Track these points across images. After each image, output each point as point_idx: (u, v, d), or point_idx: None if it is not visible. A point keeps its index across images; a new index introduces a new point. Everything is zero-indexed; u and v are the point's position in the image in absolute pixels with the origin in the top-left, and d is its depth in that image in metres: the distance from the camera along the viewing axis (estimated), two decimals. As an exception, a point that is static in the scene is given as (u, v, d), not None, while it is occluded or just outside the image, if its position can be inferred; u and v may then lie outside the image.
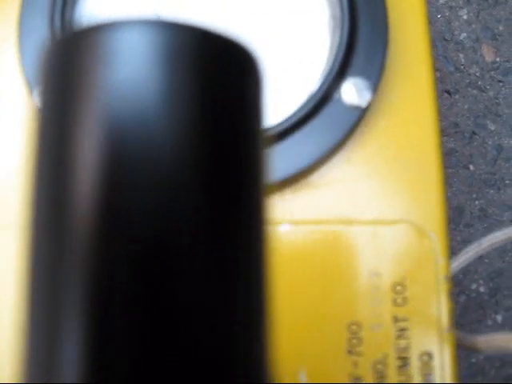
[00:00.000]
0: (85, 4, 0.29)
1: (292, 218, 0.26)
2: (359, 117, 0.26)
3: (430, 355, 0.25)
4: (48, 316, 0.09)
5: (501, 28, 0.54)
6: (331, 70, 0.26)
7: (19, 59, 0.27)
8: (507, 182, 0.51)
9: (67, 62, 0.09)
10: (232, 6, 0.29)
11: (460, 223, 0.49)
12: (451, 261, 0.32)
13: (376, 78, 0.27)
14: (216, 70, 0.10)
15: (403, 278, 0.26)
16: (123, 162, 0.09)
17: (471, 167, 0.51)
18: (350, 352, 0.25)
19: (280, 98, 0.28)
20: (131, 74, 0.09)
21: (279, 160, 0.26)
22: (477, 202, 0.50)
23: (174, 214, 0.09)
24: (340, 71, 0.26)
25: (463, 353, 0.48)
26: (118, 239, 0.09)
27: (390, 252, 0.26)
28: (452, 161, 0.50)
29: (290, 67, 0.28)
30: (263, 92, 0.11)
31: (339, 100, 0.26)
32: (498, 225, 0.51)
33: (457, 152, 0.51)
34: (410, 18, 0.29)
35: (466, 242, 0.50)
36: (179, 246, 0.09)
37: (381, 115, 0.28)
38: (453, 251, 0.50)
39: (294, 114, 0.26)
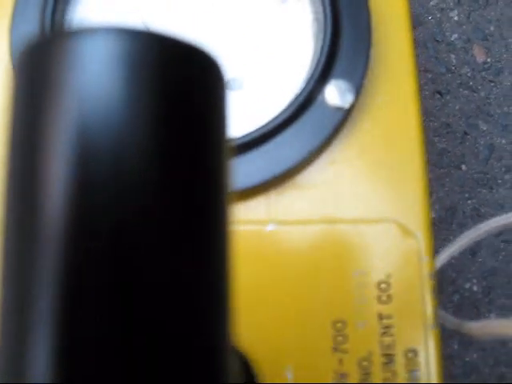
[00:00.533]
0: (76, 7, 0.29)
1: (277, 218, 0.26)
2: (342, 118, 0.27)
3: (415, 352, 0.26)
4: (16, 314, 0.10)
5: (492, 28, 0.55)
6: (314, 72, 0.27)
7: (10, 61, 0.27)
8: (499, 181, 0.51)
9: (33, 67, 0.10)
10: (217, 10, 0.30)
11: (452, 223, 0.50)
12: (449, 245, 0.32)
13: (359, 80, 0.27)
14: (177, 75, 0.10)
15: (388, 276, 0.26)
16: (88, 166, 0.09)
17: (463, 167, 0.51)
18: (335, 349, 0.25)
19: (265, 101, 0.28)
20: (93, 81, 0.09)
21: (264, 161, 0.26)
22: (469, 202, 0.51)
23: (134, 212, 0.10)
24: (323, 74, 0.27)
25: (457, 351, 0.49)
26: (84, 236, 0.10)
27: (374, 250, 0.26)
28: (444, 161, 0.50)
29: (274, 71, 0.29)
30: (226, 96, 0.12)
31: (322, 102, 0.27)
32: (491, 224, 0.51)
33: (449, 152, 0.51)
34: (393, 20, 0.30)
35: (459, 242, 0.50)
36: (140, 241, 0.10)
37: (365, 117, 0.28)
38: (446, 251, 0.50)
39: (278, 116, 0.26)
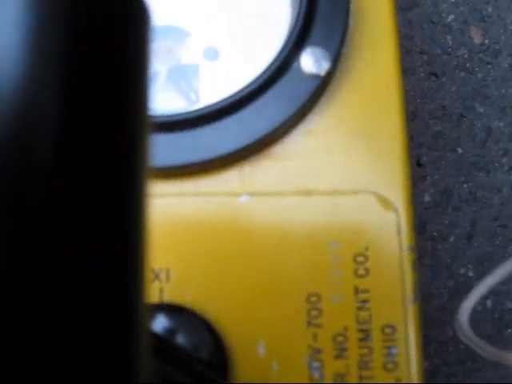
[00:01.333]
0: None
1: (251, 190, 0.26)
2: (318, 86, 0.26)
3: (392, 327, 0.25)
4: None
5: (489, 10, 0.53)
6: (289, 39, 0.26)
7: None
8: (496, 164, 0.50)
9: None
10: (192, -23, 0.29)
11: (448, 206, 0.49)
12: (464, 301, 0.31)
13: (335, 48, 0.26)
14: (91, 10, 0.10)
15: (365, 249, 0.25)
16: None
17: (459, 150, 0.50)
18: (309, 323, 0.24)
19: (241, 70, 0.27)
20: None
21: (237, 130, 0.25)
22: (465, 185, 0.50)
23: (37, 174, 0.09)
24: (298, 41, 0.26)
25: (451, 338, 0.48)
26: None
27: (351, 222, 0.25)
28: (439, 144, 0.49)
29: (251, 39, 0.28)
30: (148, 41, 0.11)
31: (298, 69, 0.26)
32: (488, 208, 0.50)
33: (444, 135, 0.50)
34: (374, -12, 0.29)
35: (454, 226, 0.49)
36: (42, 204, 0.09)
37: (343, 86, 0.27)
38: (441, 235, 0.49)
39: (252, 83, 0.25)
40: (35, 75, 0.09)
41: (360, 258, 0.25)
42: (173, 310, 0.24)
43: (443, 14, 0.52)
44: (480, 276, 0.46)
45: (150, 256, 0.11)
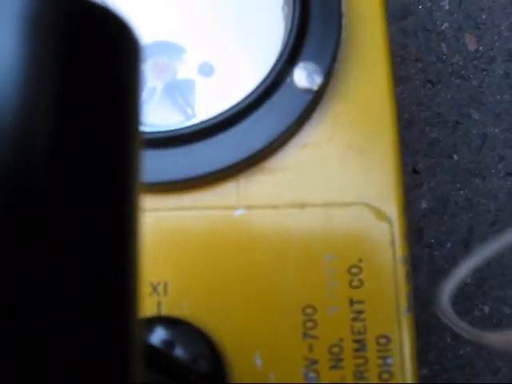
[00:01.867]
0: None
1: (246, 203, 0.26)
2: (311, 100, 0.26)
3: (387, 338, 0.25)
4: None
5: (483, 17, 0.54)
6: (282, 54, 0.26)
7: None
8: (492, 171, 0.50)
9: None
10: (186, -6, 0.29)
11: (444, 213, 0.49)
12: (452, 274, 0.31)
13: (328, 63, 0.27)
14: (83, 38, 0.10)
15: (359, 260, 0.26)
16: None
17: (455, 157, 0.51)
18: (305, 335, 0.25)
19: (236, 85, 0.28)
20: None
21: (232, 144, 0.26)
22: (461, 192, 0.50)
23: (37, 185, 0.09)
24: (291, 56, 0.26)
25: (450, 344, 0.48)
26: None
27: (345, 234, 0.26)
28: (435, 151, 0.50)
29: (245, 54, 0.28)
30: (139, 66, 0.11)
31: (291, 84, 0.26)
32: (484, 214, 0.50)
33: (440, 142, 0.50)
34: (366, 3, 0.29)
35: (451, 233, 0.49)
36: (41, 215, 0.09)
37: (336, 100, 0.28)
38: (438, 241, 0.50)
39: (246, 98, 0.26)
40: (32, 98, 0.10)
41: (354, 270, 0.26)
42: (170, 322, 0.24)
43: (437, 22, 0.53)
44: (478, 282, 0.46)
45: (146, 269, 0.12)
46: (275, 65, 0.26)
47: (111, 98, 0.11)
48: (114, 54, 0.11)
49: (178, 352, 0.24)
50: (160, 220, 0.26)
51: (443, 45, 0.53)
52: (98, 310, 0.10)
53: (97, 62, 0.11)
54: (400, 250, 0.26)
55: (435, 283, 0.49)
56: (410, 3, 0.54)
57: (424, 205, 0.49)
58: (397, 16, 0.53)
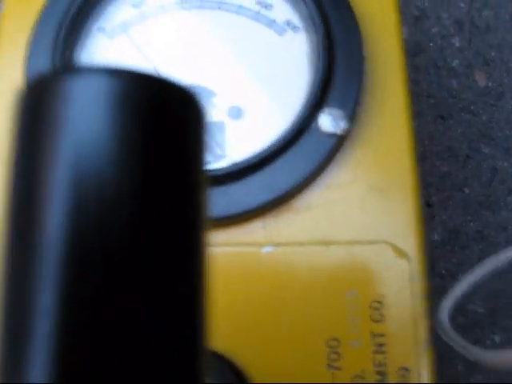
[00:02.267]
0: (83, 48, 0.31)
1: (274, 241, 0.28)
2: (336, 144, 0.28)
3: (407, 370, 0.27)
4: (17, 318, 0.11)
5: (493, 54, 0.56)
6: (309, 101, 0.28)
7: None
8: (502, 203, 0.52)
9: (29, 107, 0.11)
10: (221, 42, 0.31)
11: (455, 245, 0.51)
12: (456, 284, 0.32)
13: (351, 109, 0.28)
14: (159, 114, 0.12)
15: (381, 296, 0.27)
16: (80, 203, 0.11)
17: (466, 190, 0.52)
18: (329, 366, 0.26)
19: (263, 127, 0.29)
20: (82, 122, 0.11)
21: (261, 186, 0.27)
22: (472, 224, 0.52)
23: (119, 241, 0.11)
24: (317, 102, 0.28)
25: (462, 373, 0.49)
26: (79, 266, 0.11)
27: (367, 271, 0.27)
28: (447, 184, 0.51)
29: (273, 99, 0.30)
30: (205, 132, 0.13)
31: (317, 129, 0.28)
32: (494, 246, 0.52)
33: (451, 175, 0.52)
34: (386, 52, 0.31)
35: (462, 264, 0.51)
36: (125, 265, 0.11)
37: (359, 143, 0.29)
38: (449, 273, 0.51)
39: (275, 143, 0.27)
40: (120, 169, 0.11)
41: (375, 304, 0.27)
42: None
43: (448, 59, 0.55)
44: (489, 312, 0.47)
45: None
46: (302, 110, 0.28)
47: (184, 161, 0.12)
48: (184, 123, 0.13)
49: (213, 380, 0.25)
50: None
51: (454, 81, 0.54)
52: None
53: (171, 133, 0.12)
54: (419, 287, 0.28)
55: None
56: (421, 41, 0.56)
57: (436, 237, 0.51)
58: (410, 52, 0.55)
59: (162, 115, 0.12)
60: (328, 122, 0.28)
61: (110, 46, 0.31)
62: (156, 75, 0.12)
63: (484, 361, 0.31)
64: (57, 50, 0.29)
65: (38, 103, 0.11)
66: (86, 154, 0.11)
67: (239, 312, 0.27)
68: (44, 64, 0.29)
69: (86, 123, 0.11)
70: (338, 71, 0.29)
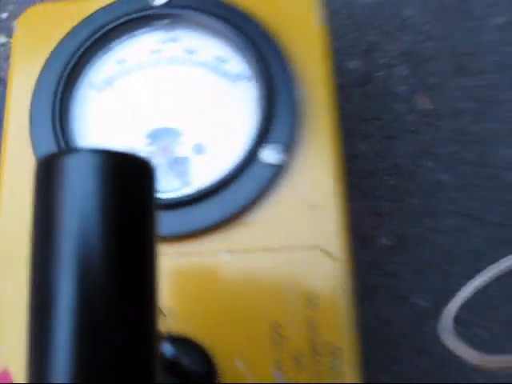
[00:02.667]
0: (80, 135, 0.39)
1: (229, 248, 0.35)
2: (276, 172, 0.36)
3: (338, 349, 0.34)
4: (40, 327, 0.19)
5: (433, 80, 0.64)
6: (254, 138, 0.36)
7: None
8: (442, 211, 0.60)
9: (39, 179, 0.19)
10: (184, 92, 0.39)
11: (402, 248, 0.58)
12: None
13: (288, 143, 0.36)
14: (126, 185, 0.20)
15: (315, 289, 0.35)
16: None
17: (411, 200, 0.60)
18: (273, 344, 0.34)
19: (220, 158, 0.37)
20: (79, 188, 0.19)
21: (219, 206, 0.35)
22: (417, 230, 0.59)
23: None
24: (260, 139, 0.36)
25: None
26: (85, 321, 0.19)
27: (304, 270, 0.35)
28: (394, 196, 0.59)
29: (228, 135, 0.38)
30: (155, 187, 0.21)
31: (261, 160, 0.36)
32: (439, 248, 0.59)
33: (398, 188, 0.60)
34: (319, 93, 0.39)
35: (407, 264, 0.58)
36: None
37: (295, 170, 0.37)
38: (396, 271, 0.59)
39: (228, 172, 0.35)
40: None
41: (310, 296, 0.35)
42: (176, 339, 0.34)
43: (394, 86, 0.63)
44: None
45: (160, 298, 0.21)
46: (249, 145, 0.36)
47: (141, 210, 0.20)
48: (142, 184, 0.20)
49: (183, 360, 0.33)
50: (167, 263, 0.35)
51: (399, 105, 0.63)
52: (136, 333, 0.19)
53: (133, 195, 0.20)
54: (346, 282, 0.35)
55: (392, 307, 0.57)
56: (369, 71, 0.64)
57: (385, 241, 0.59)
58: (360, 82, 0.63)
59: (127, 180, 0.20)
60: (270, 154, 0.36)
61: (98, 98, 0.39)
62: (122, 151, 0.19)
63: (489, 366, 0.32)
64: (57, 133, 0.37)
65: (47, 176, 0.19)
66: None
67: (204, 306, 0.35)
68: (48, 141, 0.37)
69: (80, 191, 0.18)
70: (277, 113, 0.37)
